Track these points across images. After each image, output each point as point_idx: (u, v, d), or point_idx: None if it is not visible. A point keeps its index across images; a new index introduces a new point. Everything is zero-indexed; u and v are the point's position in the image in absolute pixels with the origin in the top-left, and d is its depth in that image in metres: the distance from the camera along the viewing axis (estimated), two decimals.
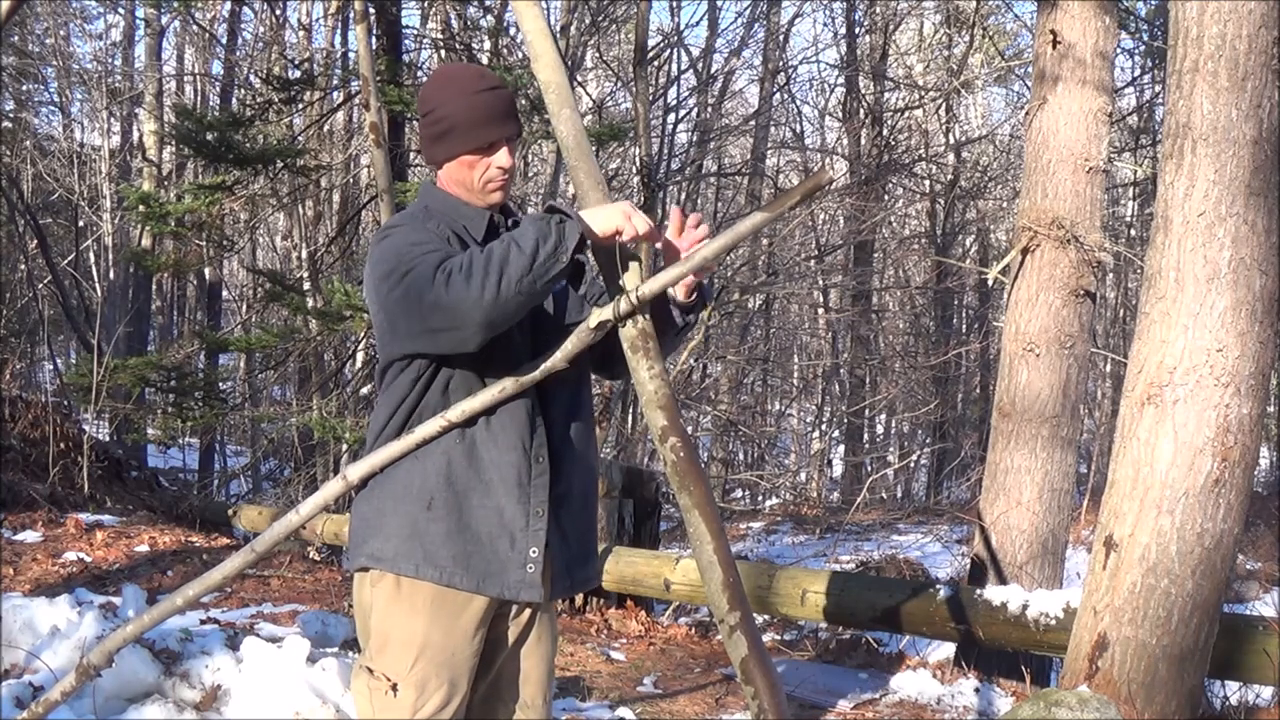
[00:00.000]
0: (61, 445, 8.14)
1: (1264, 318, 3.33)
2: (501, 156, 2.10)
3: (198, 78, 18.77)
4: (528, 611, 2.18)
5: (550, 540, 2.11)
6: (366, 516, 2.11)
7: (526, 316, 2.03)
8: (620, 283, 2.02)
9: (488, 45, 11.95)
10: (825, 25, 20.16)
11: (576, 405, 2.18)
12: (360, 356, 11.93)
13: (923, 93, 16.86)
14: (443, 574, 2.04)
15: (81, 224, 17.41)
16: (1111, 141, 5.79)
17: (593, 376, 2.33)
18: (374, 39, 9.24)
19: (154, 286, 18.01)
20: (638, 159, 11.17)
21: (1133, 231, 16.74)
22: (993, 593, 4.31)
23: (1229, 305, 3.30)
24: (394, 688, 2.05)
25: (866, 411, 16.72)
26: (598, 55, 16.22)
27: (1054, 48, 5.31)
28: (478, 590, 2.05)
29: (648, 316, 2.03)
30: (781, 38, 17.09)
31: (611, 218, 1.96)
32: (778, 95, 17.15)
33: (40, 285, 15.65)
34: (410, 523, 2.05)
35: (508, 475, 2.05)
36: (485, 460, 2.05)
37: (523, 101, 9.62)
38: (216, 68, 17.77)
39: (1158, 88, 15.23)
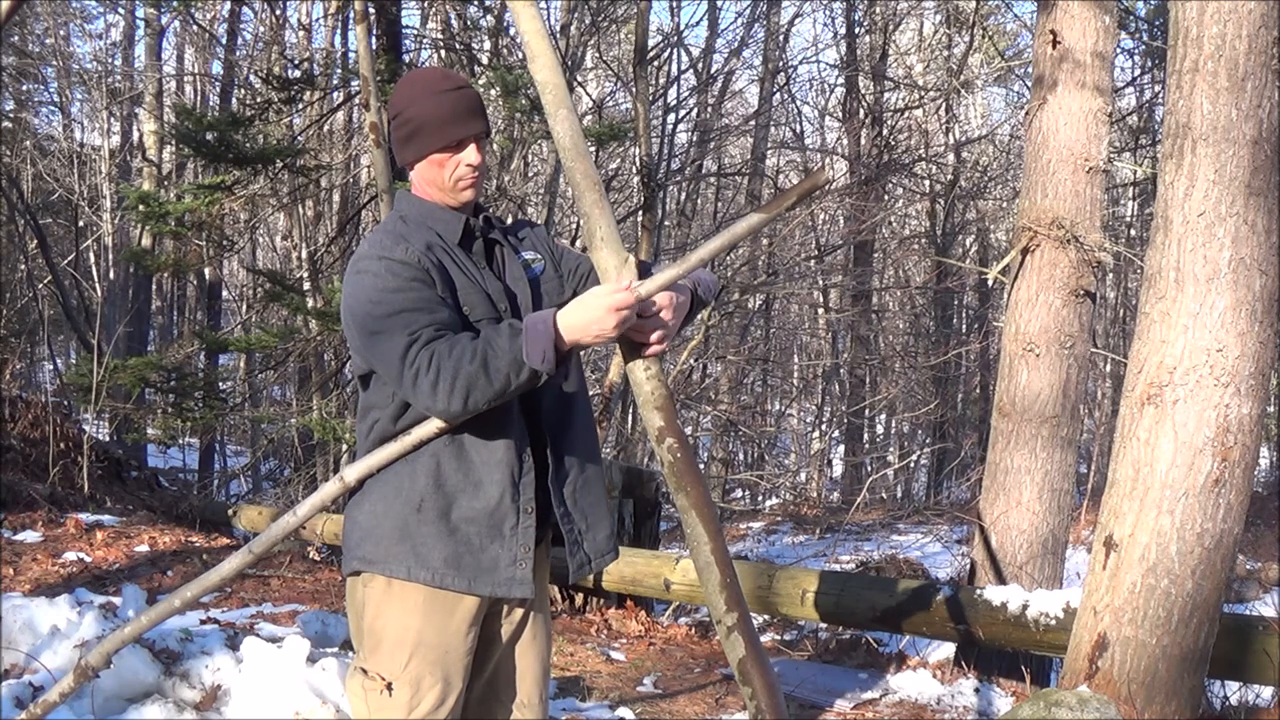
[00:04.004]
0: (61, 445, 8.15)
1: (1264, 318, 3.32)
2: (470, 154, 2.11)
3: (198, 78, 18.78)
4: (520, 610, 2.19)
5: (563, 523, 2.13)
6: (358, 520, 2.12)
7: (494, 299, 2.11)
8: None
9: (488, 45, 11.96)
10: (825, 25, 20.23)
11: (569, 387, 2.19)
12: None
13: (923, 93, 16.85)
14: (435, 575, 2.05)
15: (81, 224, 17.42)
16: (1111, 141, 5.79)
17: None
18: (374, 39, 9.23)
19: (154, 286, 18.03)
20: (638, 159, 11.17)
21: (1133, 231, 16.74)
22: (993, 593, 4.30)
23: (1229, 305, 3.29)
24: (389, 687, 2.06)
25: (866, 411, 16.72)
26: (598, 55, 16.22)
27: (1054, 48, 5.31)
28: (469, 590, 2.06)
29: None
30: (781, 38, 17.09)
31: (593, 321, 1.93)
32: (778, 95, 17.15)
33: (40, 285, 15.65)
34: (401, 525, 2.06)
35: (498, 475, 2.06)
36: (475, 460, 2.06)
37: (523, 101, 9.62)
38: (216, 68, 17.78)
39: (1158, 88, 15.23)
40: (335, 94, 11.73)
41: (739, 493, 16.11)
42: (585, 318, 1.93)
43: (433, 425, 2.04)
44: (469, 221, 2.15)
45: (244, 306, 16.97)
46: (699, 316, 2.33)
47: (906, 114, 17.13)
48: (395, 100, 2.14)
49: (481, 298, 2.08)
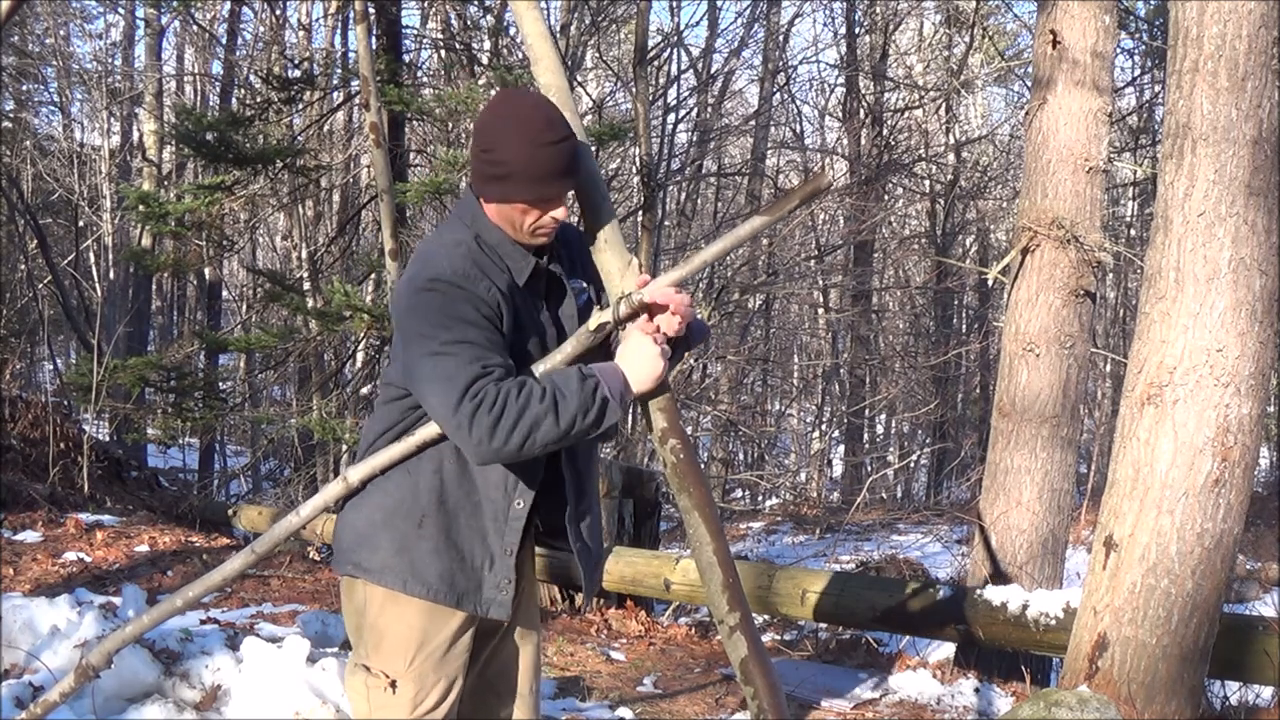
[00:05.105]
0: (61, 445, 8.15)
1: (1264, 318, 3.33)
2: (558, 211, 2.04)
3: (198, 78, 18.79)
4: None
5: (580, 558, 2.15)
6: (356, 525, 2.12)
7: (546, 341, 2.08)
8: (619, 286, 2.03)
9: (488, 45, 11.95)
10: (825, 25, 20.19)
11: None
12: (360, 356, 11.93)
13: (923, 93, 16.85)
14: (429, 590, 2.07)
15: (81, 224, 17.41)
16: (1111, 141, 5.79)
17: None
18: (374, 39, 9.23)
19: (154, 286, 18.03)
20: (638, 159, 11.18)
21: (1133, 231, 16.74)
22: (993, 593, 4.30)
23: (1229, 305, 3.29)
24: (392, 685, 2.07)
25: (866, 411, 16.72)
26: (598, 55, 16.21)
27: (1053, 48, 5.31)
28: (458, 606, 2.09)
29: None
30: (781, 38, 17.08)
31: (654, 370, 2.01)
32: (778, 95, 17.14)
33: (40, 285, 15.65)
34: (400, 539, 2.07)
35: (496, 498, 2.07)
36: (476, 481, 2.07)
37: None
38: (216, 68, 17.78)
39: (1158, 88, 15.23)
40: (335, 94, 11.73)
41: (739, 493, 16.11)
42: (645, 369, 2.00)
43: (435, 427, 2.04)
44: (538, 265, 2.09)
45: (244, 306, 16.96)
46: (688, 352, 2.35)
47: (906, 114, 17.13)
48: (489, 132, 1.99)
49: (537, 343, 2.08)
